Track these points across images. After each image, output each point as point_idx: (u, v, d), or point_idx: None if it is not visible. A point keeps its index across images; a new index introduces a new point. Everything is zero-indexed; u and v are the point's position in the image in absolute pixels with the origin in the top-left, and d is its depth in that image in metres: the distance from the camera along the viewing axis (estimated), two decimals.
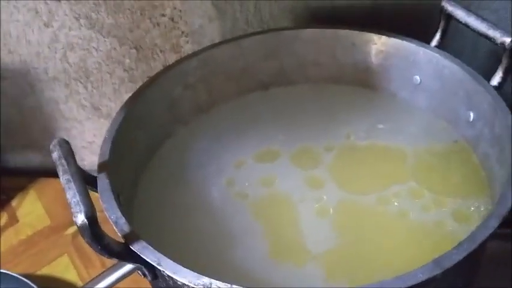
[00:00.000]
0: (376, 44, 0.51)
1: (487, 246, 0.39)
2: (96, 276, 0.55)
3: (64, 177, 0.33)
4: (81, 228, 0.31)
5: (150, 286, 0.59)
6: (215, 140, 0.52)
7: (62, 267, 0.64)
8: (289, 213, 0.44)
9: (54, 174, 0.76)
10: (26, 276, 0.59)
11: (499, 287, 0.52)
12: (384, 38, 0.51)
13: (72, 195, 0.32)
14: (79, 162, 0.82)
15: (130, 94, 0.70)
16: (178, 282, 0.34)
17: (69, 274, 0.64)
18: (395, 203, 0.44)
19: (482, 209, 0.42)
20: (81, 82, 0.70)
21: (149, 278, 0.36)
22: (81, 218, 0.31)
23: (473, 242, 0.32)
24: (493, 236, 0.33)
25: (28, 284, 0.57)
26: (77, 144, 0.77)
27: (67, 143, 0.36)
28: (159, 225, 0.44)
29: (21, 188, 0.74)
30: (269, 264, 0.40)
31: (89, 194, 0.33)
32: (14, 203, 0.72)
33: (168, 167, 0.49)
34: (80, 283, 0.63)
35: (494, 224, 0.33)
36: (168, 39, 0.64)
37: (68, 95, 0.72)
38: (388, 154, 0.48)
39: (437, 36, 0.49)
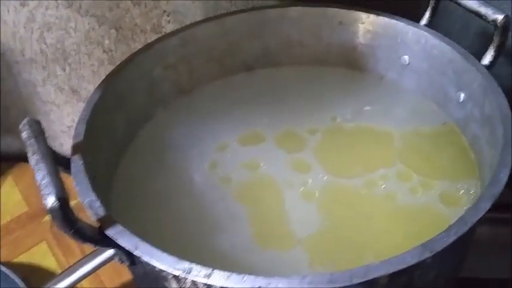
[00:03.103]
0: (364, 23, 0.50)
1: (485, 231, 0.38)
2: (75, 263, 0.53)
3: (33, 158, 0.31)
4: (51, 211, 0.29)
5: (131, 276, 0.58)
6: (197, 123, 0.50)
7: (40, 255, 0.62)
8: (274, 197, 0.42)
9: None
10: (3, 263, 0.57)
11: (497, 276, 0.51)
12: (372, 17, 0.49)
13: (42, 176, 0.30)
14: (58, 148, 0.80)
15: None
16: (157, 269, 0.32)
17: (48, 261, 0.62)
18: (382, 186, 0.42)
19: (471, 192, 0.41)
20: (58, 64, 0.68)
21: (127, 263, 0.35)
22: (51, 200, 0.29)
23: (464, 224, 0.31)
24: (484, 219, 0.32)
25: (4, 271, 0.55)
26: (55, 129, 0.75)
27: (38, 122, 0.34)
28: (138, 209, 0.43)
29: None
30: (253, 249, 0.39)
31: (59, 175, 0.31)
32: None
33: (148, 150, 0.47)
34: (58, 270, 0.61)
35: (485, 206, 0.32)
36: (149, 19, 0.62)
37: (46, 77, 0.69)
38: (375, 137, 0.47)
39: (427, 15, 0.48)
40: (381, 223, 0.40)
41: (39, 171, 0.30)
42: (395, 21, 0.48)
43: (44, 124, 0.75)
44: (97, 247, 0.33)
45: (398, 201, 0.41)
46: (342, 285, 0.29)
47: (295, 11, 0.51)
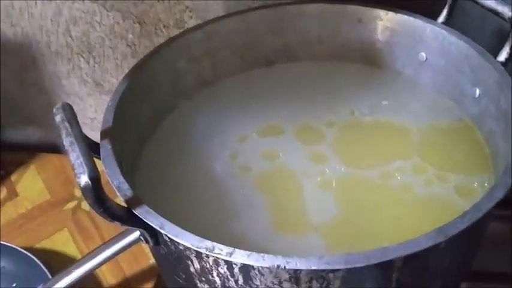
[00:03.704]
0: (382, 20, 0.51)
1: (487, 227, 0.39)
2: (95, 249, 0.55)
3: (67, 140, 0.33)
4: (84, 189, 0.31)
5: (149, 262, 0.60)
6: (219, 114, 0.51)
7: (62, 241, 0.64)
8: (292, 186, 0.44)
9: (54, 150, 0.77)
10: (25, 248, 0.59)
11: (498, 270, 0.52)
12: (390, 14, 0.50)
13: (76, 157, 0.32)
14: None
15: None
16: (181, 247, 0.34)
17: (69, 248, 0.63)
18: (398, 178, 0.44)
19: (486, 185, 0.42)
20: (83, 57, 0.70)
21: (151, 243, 0.36)
22: (84, 179, 0.31)
23: (478, 211, 0.32)
24: (496, 209, 0.33)
25: (27, 255, 0.57)
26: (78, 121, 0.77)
27: (70, 107, 0.36)
28: (161, 196, 0.44)
29: (21, 163, 0.74)
30: (271, 234, 0.40)
31: (92, 156, 0.33)
32: (13, 177, 0.72)
33: (171, 140, 0.49)
34: (79, 256, 0.63)
35: (499, 194, 0.33)
36: (171, 14, 0.64)
37: (70, 69, 0.71)
38: (392, 130, 0.48)
39: (444, 12, 0.49)
40: (396, 212, 0.41)
41: (72, 152, 0.32)
42: (414, 19, 0.49)
43: None
44: (124, 226, 0.35)
45: (413, 192, 0.42)
46: (359, 265, 0.30)
47: (314, 7, 0.53)
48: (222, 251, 0.31)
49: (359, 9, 0.51)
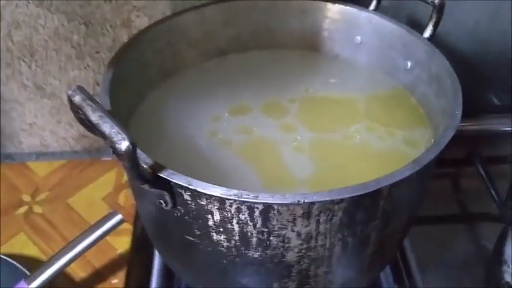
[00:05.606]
0: (322, 10, 0.60)
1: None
2: (77, 237, 0.56)
3: (96, 115, 0.36)
4: (125, 154, 0.34)
5: (117, 252, 0.62)
6: (187, 102, 0.56)
7: (21, 245, 0.64)
8: (272, 152, 0.50)
9: None
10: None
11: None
12: (329, 5, 0.59)
13: (110, 127, 0.35)
14: (17, 145, 0.80)
15: (76, 71, 0.71)
16: (203, 202, 0.39)
17: (30, 250, 0.64)
18: (358, 137, 0.52)
19: (426, 137, 0.52)
20: (24, 61, 0.70)
21: (169, 205, 0.40)
22: (125, 144, 0.34)
23: (438, 146, 0.41)
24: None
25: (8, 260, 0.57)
26: (16, 127, 0.76)
27: (84, 88, 0.39)
28: None
29: None
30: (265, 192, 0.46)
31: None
32: None
33: (147, 127, 0.53)
34: (43, 257, 0.63)
35: (450, 133, 0.42)
36: (119, 14, 0.67)
37: (10, 75, 0.71)
38: (342, 102, 0.57)
39: (374, 2, 0.58)
40: (361, 164, 0.50)
41: (105, 124, 0.35)
42: (350, 8, 0.58)
43: (4, 122, 0.77)
44: (152, 189, 0.38)
45: (372, 146, 0.51)
46: (361, 193, 0.38)
47: (263, 2, 0.60)
48: (248, 195, 0.37)
49: (303, 3, 0.59)
